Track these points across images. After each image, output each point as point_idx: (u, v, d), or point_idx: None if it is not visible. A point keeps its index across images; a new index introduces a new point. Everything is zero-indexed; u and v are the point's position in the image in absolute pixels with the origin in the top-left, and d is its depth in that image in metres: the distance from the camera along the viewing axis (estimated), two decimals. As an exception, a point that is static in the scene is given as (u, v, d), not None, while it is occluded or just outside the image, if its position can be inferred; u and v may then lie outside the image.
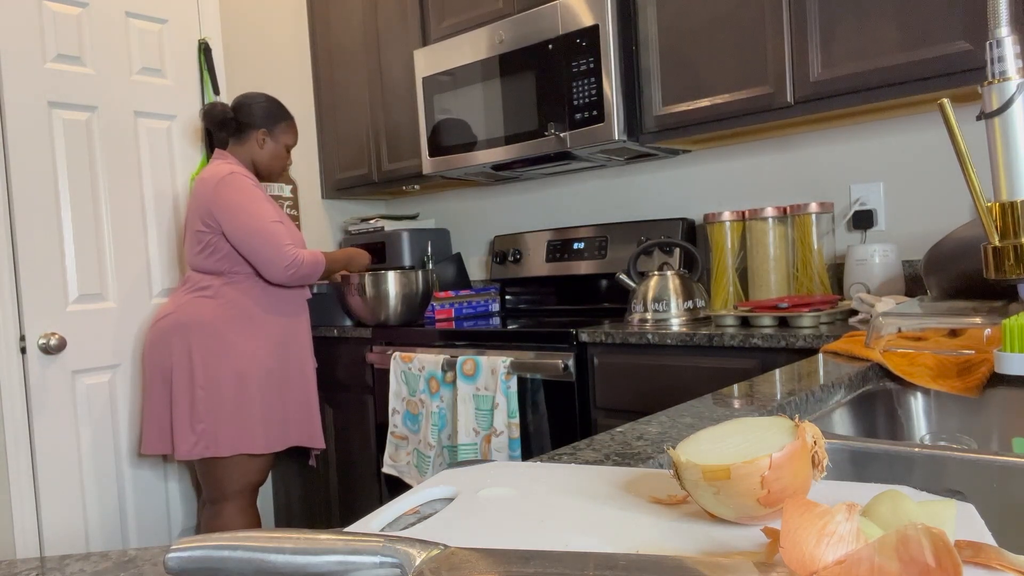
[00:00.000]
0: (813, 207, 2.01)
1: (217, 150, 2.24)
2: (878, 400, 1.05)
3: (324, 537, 0.39)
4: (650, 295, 2.03)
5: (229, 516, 2.10)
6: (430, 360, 2.17)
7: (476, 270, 3.02)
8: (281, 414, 2.16)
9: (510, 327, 2.17)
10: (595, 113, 2.12)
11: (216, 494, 2.10)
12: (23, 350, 2.18)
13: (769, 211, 2.06)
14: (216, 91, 2.63)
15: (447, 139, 2.51)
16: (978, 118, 0.80)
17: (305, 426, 2.22)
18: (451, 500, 0.57)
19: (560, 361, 1.95)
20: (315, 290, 2.72)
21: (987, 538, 0.42)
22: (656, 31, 2.08)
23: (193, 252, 2.14)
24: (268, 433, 2.12)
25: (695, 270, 2.17)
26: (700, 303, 2.03)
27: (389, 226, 2.96)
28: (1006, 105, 0.79)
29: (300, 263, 2.09)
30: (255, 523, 2.17)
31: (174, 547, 0.39)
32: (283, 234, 2.07)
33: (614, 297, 2.49)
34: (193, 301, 2.10)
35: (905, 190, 2.01)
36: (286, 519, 2.84)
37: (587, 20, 2.12)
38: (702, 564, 0.37)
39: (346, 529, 0.45)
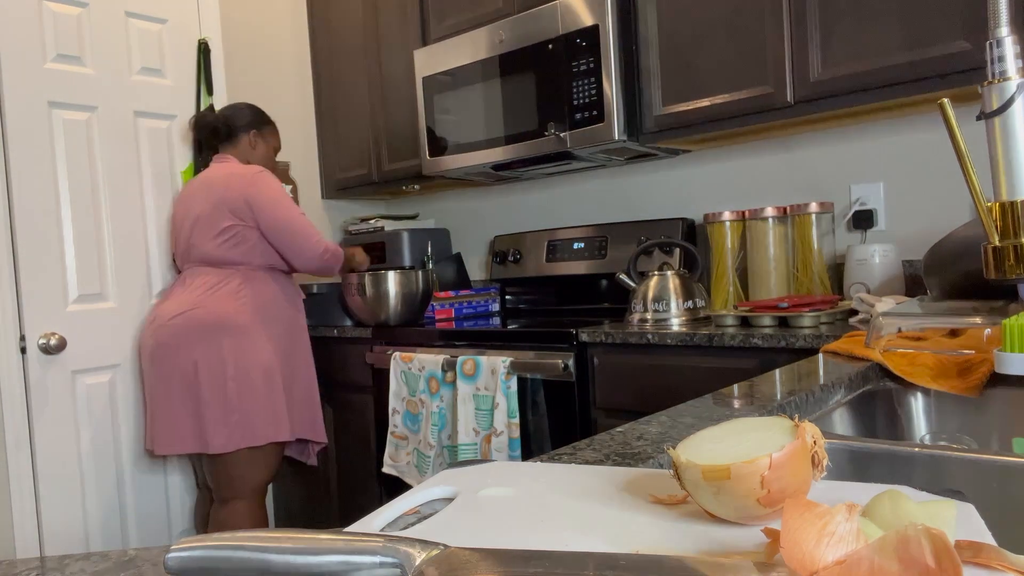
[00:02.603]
0: (813, 207, 2.01)
1: (219, 154, 2.32)
2: (878, 400, 1.05)
3: (324, 537, 0.39)
4: (650, 295, 2.03)
5: (241, 515, 2.13)
6: (430, 360, 2.17)
7: (476, 270, 3.02)
8: (294, 404, 2.25)
9: (510, 327, 2.17)
10: (595, 113, 2.12)
11: (229, 492, 2.12)
12: (23, 350, 2.18)
13: (769, 211, 2.06)
14: (210, 92, 2.63)
15: (447, 139, 2.51)
16: (978, 118, 0.80)
17: (310, 418, 2.31)
18: (451, 500, 0.57)
19: (560, 361, 1.95)
20: (315, 290, 2.72)
21: (987, 538, 0.42)
22: (656, 31, 2.08)
23: (213, 244, 2.17)
24: (292, 421, 2.22)
25: (695, 270, 2.17)
26: (700, 303, 2.03)
27: (389, 226, 2.96)
28: (1006, 105, 0.79)
29: (332, 252, 2.25)
30: (264, 523, 2.21)
31: (174, 547, 0.39)
32: (312, 226, 2.24)
33: (614, 297, 2.49)
34: (212, 297, 2.13)
35: (905, 190, 2.01)
36: (286, 519, 2.84)
37: (587, 20, 2.12)
38: (702, 564, 0.37)
39: (346, 529, 0.45)
